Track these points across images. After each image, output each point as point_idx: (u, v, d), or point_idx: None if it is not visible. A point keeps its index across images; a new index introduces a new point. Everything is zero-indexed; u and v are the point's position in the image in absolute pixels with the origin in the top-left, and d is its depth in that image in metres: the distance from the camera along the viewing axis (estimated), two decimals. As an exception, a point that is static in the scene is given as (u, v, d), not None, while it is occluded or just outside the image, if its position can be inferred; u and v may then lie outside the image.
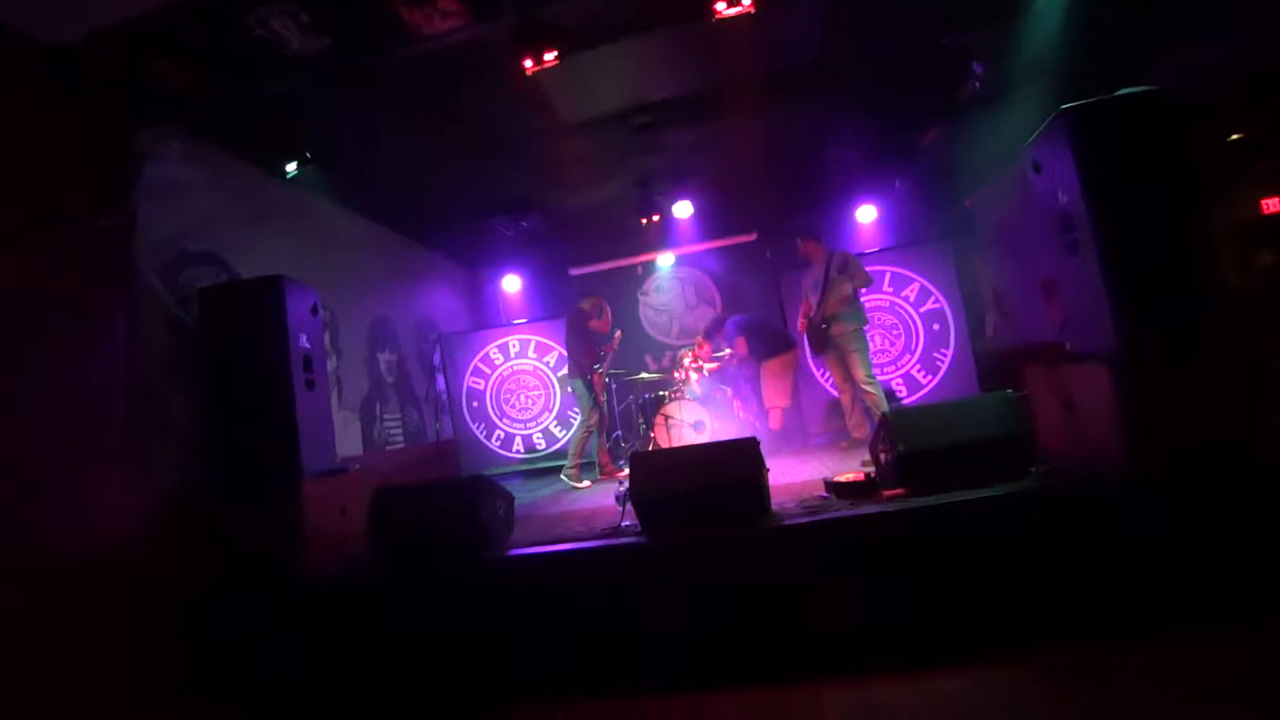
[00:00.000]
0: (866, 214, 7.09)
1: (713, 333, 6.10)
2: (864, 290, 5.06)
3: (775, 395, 5.62)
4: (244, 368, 3.21)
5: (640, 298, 7.86)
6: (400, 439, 5.79)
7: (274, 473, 3.10)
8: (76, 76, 2.98)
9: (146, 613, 2.85)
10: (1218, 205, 4.54)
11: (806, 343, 5.33)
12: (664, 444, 5.54)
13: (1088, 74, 4.02)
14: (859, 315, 5.03)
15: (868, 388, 4.85)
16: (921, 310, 6.34)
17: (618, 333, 5.85)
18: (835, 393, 5.41)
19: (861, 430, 5.06)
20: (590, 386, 5.33)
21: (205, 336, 3.32)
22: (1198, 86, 4.10)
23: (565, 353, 5.70)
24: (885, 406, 4.71)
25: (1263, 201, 4.53)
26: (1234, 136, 4.48)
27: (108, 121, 3.24)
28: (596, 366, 5.38)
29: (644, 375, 6.44)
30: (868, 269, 5.14)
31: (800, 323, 5.25)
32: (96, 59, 2.95)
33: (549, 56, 3.34)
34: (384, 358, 5.74)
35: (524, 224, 6.28)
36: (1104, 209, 2.56)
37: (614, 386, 6.44)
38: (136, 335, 3.24)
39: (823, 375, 6.21)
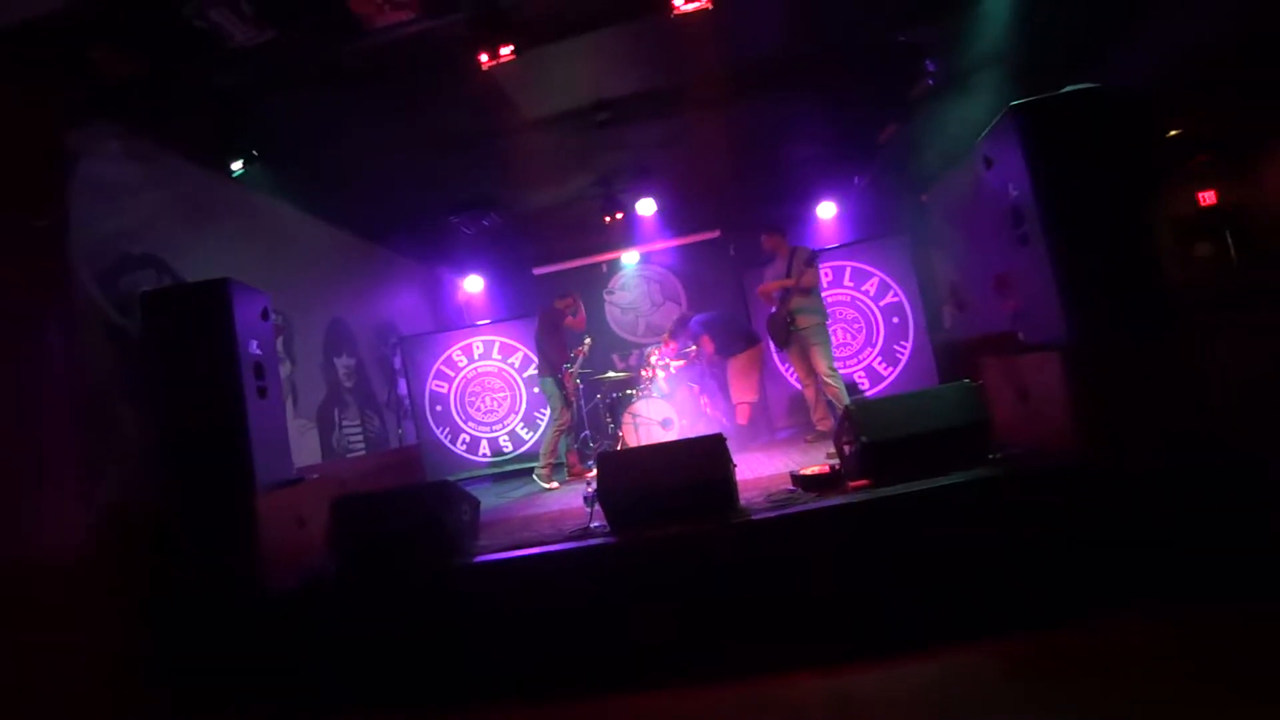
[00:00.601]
0: (827, 210, 7.20)
1: (678, 331, 6.11)
2: (825, 283, 5.18)
3: (742, 391, 5.67)
4: (191, 376, 3.05)
5: (606, 297, 7.83)
6: (361, 446, 5.63)
7: (226, 485, 2.96)
8: (7, 65, 2.80)
9: (95, 632, 2.71)
10: (1160, 198, 4.75)
11: (770, 337, 5.37)
12: (632, 442, 5.52)
13: (1037, 69, 4.16)
14: (821, 309, 5.12)
15: (830, 380, 4.94)
16: (881, 304, 6.47)
17: (587, 340, 5.85)
18: (799, 386, 5.49)
19: (826, 423, 5.13)
20: (561, 384, 5.28)
21: (149, 344, 3.16)
22: (1143, 82, 4.27)
23: (535, 351, 5.64)
24: (846, 399, 4.81)
25: (1199, 194, 4.75)
26: (1172, 132, 4.69)
27: (39, 115, 3.05)
28: (567, 365, 5.34)
29: (611, 374, 6.40)
30: (829, 264, 5.24)
31: (764, 289, 5.32)
32: (27, 47, 2.78)
33: (505, 51, 3.28)
34: (341, 363, 5.58)
35: (485, 222, 6.18)
36: (1052, 202, 2.63)
37: (582, 386, 6.40)
38: (75, 343, 3.06)
39: (787, 370, 6.28)
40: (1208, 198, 4.82)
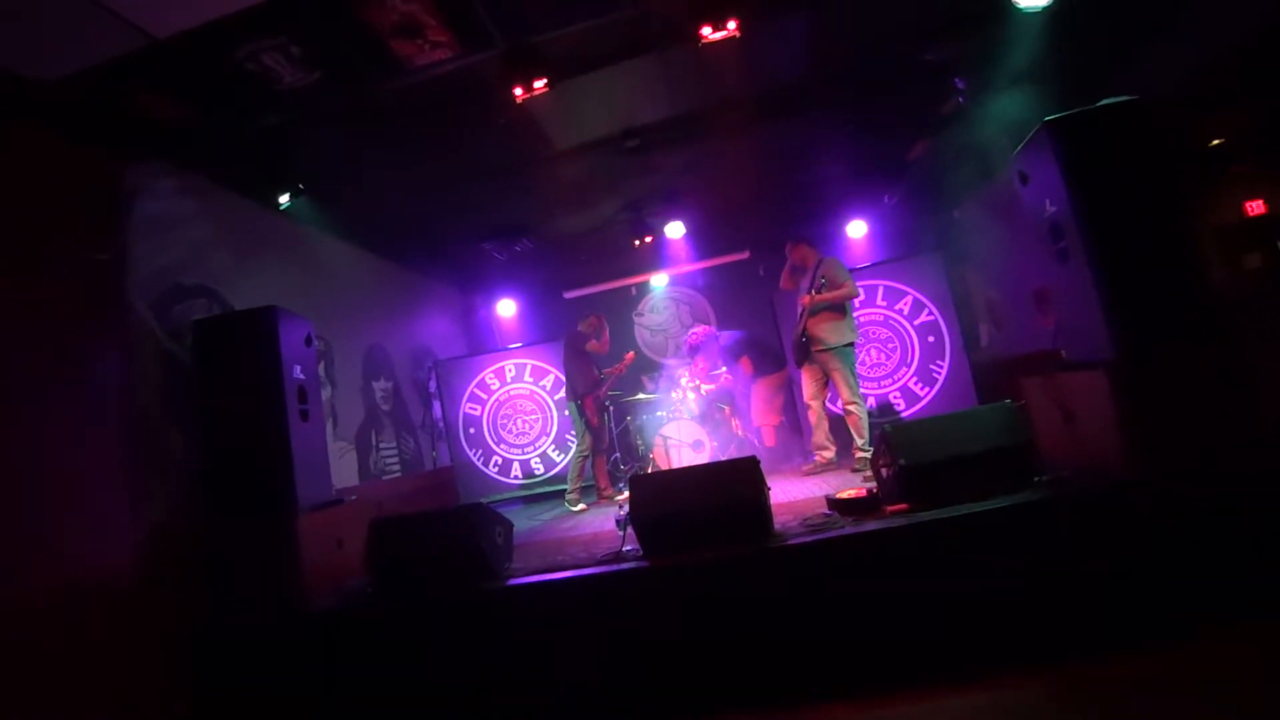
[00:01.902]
0: (857, 229, 7.14)
1: (706, 348, 6.04)
2: (856, 303, 4.83)
3: (768, 413, 5.56)
4: (238, 400, 3.18)
5: (635, 319, 7.87)
6: (397, 468, 5.73)
7: (269, 506, 3.05)
8: (64, 113, 2.99)
9: (142, 647, 2.80)
10: (1203, 209, 4.60)
11: (792, 354, 5.04)
12: (663, 465, 5.50)
13: (1071, 81, 4.10)
14: (846, 330, 4.61)
15: (852, 408, 4.52)
16: (916, 323, 6.36)
17: (629, 354, 5.83)
18: (838, 410, 4.85)
19: (826, 453, 4.82)
20: (582, 410, 5.29)
21: (199, 369, 3.30)
22: (1179, 90, 4.17)
23: (563, 375, 5.68)
24: (867, 433, 4.48)
25: (1246, 204, 4.59)
26: (1215, 141, 4.55)
27: (96, 158, 3.26)
28: (592, 389, 5.35)
29: (641, 396, 6.41)
30: (861, 283, 4.93)
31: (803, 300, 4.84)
32: (84, 96, 2.98)
33: (539, 84, 3.38)
34: (379, 386, 5.71)
35: (518, 248, 6.30)
36: (1092, 216, 2.58)
37: (612, 409, 6.42)
38: (130, 369, 3.21)
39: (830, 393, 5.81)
40: (1256, 207, 4.64)
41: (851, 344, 4.66)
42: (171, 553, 3.04)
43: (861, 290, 5.55)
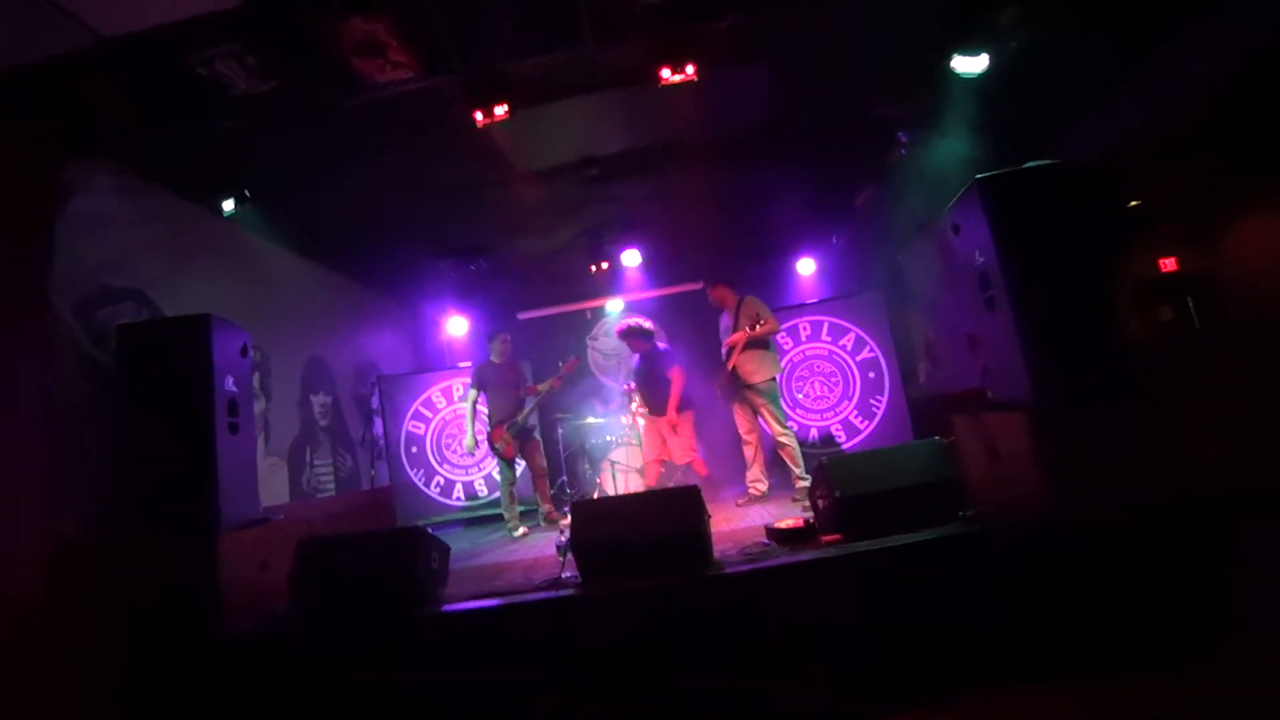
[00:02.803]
0: (806, 266, 7.41)
1: (633, 336, 5.49)
2: (803, 335, 4.94)
3: (685, 450, 5.27)
4: (162, 411, 3.01)
5: (589, 343, 7.89)
6: (331, 486, 5.52)
7: (189, 522, 2.89)
8: (4, 103, 2.85)
9: (46, 670, 2.59)
10: (1120, 265, 4.98)
11: (721, 390, 5.04)
12: (610, 490, 5.48)
13: (1006, 138, 4.42)
14: (770, 366, 4.77)
15: (783, 439, 4.67)
16: (858, 359, 6.60)
17: (573, 358, 5.47)
18: (741, 438, 5.00)
19: (760, 486, 4.88)
20: (490, 443, 5.14)
21: (123, 376, 3.12)
22: (1106, 152, 4.54)
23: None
24: (800, 460, 4.63)
25: (1160, 261, 4.99)
26: (1133, 203, 4.96)
27: (32, 151, 3.10)
28: (505, 418, 5.12)
29: (590, 420, 6.40)
30: (809, 318, 5.04)
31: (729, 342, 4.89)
32: (25, 90, 2.85)
33: (499, 110, 3.42)
34: (317, 400, 5.53)
35: (473, 267, 6.27)
36: (1016, 269, 2.76)
37: (561, 431, 6.37)
38: (47, 373, 3.03)
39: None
40: (1169, 264, 5.03)
41: (774, 378, 4.81)
42: (84, 569, 2.84)
43: (782, 327, 5.57)
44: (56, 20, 2.62)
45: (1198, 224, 4.76)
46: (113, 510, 3.02)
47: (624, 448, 5.65)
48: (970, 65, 3.75)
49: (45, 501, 2.88)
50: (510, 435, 5.10)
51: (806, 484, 4.45)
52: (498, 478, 5.29)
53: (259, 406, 4.55)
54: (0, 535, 2.66)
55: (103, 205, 3.47)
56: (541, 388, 5.29)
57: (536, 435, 5.40)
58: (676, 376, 5.20)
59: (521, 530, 5.02)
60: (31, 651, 2.59)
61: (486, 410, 5.25)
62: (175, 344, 3.07)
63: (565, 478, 6.33)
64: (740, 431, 4.98)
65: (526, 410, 5.19)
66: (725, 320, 5.03)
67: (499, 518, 5.58)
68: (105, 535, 2.97)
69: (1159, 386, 2.74)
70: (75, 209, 3.29)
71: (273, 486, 4.62)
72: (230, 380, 3.16)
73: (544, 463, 5.38)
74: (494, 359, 5.29)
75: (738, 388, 4.81)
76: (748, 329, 4.68)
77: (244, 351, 3.34)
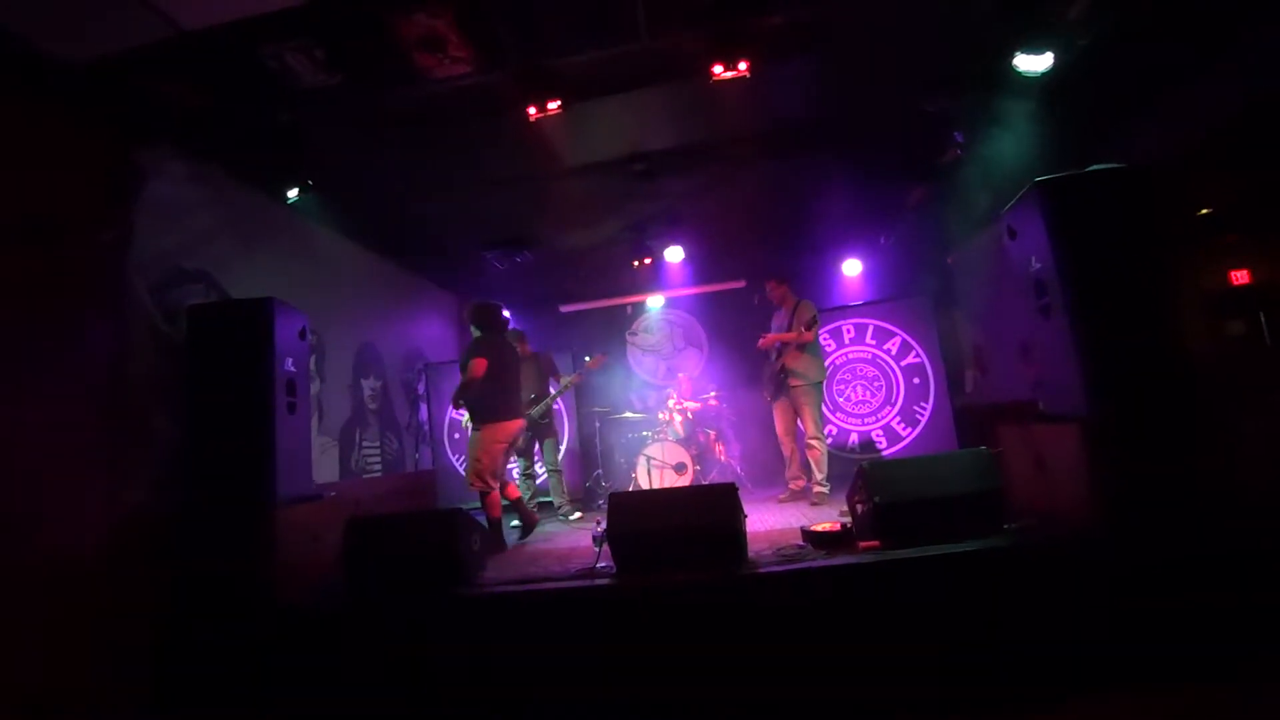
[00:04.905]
0: (852, 267, 7.28)
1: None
2: (846, 338, 5.04)
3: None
4: (226, 388, 3.19)
5: (629, 338, 7.94)
6: (378, 467, 5.72)
7: (248, 496, 3.05)
8: (86, 94, 3.05)
9: (109, 630, 2.78)
10: (1187, 275, 4.74)
11: (764, 388, 5.21)
12: (645, 485, 5.53)
13: (1067, 141, 4.25)
14: (817, 370, 4.90)
15: (814, 444, 4.78)
16: (903, 364, 6.47)
17: (599, 354, 5.53)
18: (779, 437, 5.10)
19: (799, 482, 5.03)
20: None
21: (191, 354, 3.31)
22: (1172, 158, 4.33)
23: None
24: (825, 467, 4.74)
25: (1230, 274, 4.73)
26: (1203, 211, 4.71)
27: (111, 137, 3.30)
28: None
29: (628, 414, 6.46)
30: (853, 320, 5.06)
31: (765, 341, 5.06)
32: (108, 80, 3.03)
33: (552, 105, 3.47)
34: (368, 384, 5.72)
35: (518, 259, 6.37)
36: (1074, 277, 2.67)
37: (599, 425, 6.45)
38: (121, 349, 3.22)
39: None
40: (1240, 276, 4.77)
41: (821, 382, 4.93)
42: (146, 535, 3.03)
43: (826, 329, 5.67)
44: (140, 13, 2.77)
45: (1273, 234, 4.49)
46: (176, 480, 3.22)
47: (659, 443, 5.68)
48: (1034, 64, 3.62)
49: (115, 469, 3.06)
50: (533, 423, 5.17)
51: (825, 490, 4.72)
52: (536, 468, 5.39)
53: (314, 388, 4.74)
54: (71, 499, 2.84)
55: (176, 191, 3.67)
56: (564, 382, 5.36)
57: (558, 429, 5.44)
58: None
59: (577, 515, 5.20)
60: (91, 610, 2.76)
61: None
62: (240, 325, 3.24)
63: (600, 471, 6.40)
64: (778, 431, 5.09)
65: (542, 406, 5.21)
66: (779, 319, 5.14)
67: (538, 506, 5.70)
68: (169, 503, 3.16)
69: (1224, 403, 2.61)
70: (151, 194, 3.49)
71: (324, 465, 4.82)
72: (290, 361, 3.32)
73: (557, 459, 5.41)
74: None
75: (783, 386, 4.92)
76: (801, 330, 4.81)
77: (303, 334, 3.49)
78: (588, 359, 5.48)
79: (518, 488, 4.72)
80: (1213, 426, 2.51)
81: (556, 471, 5.41)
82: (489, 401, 4.29)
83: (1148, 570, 2.34)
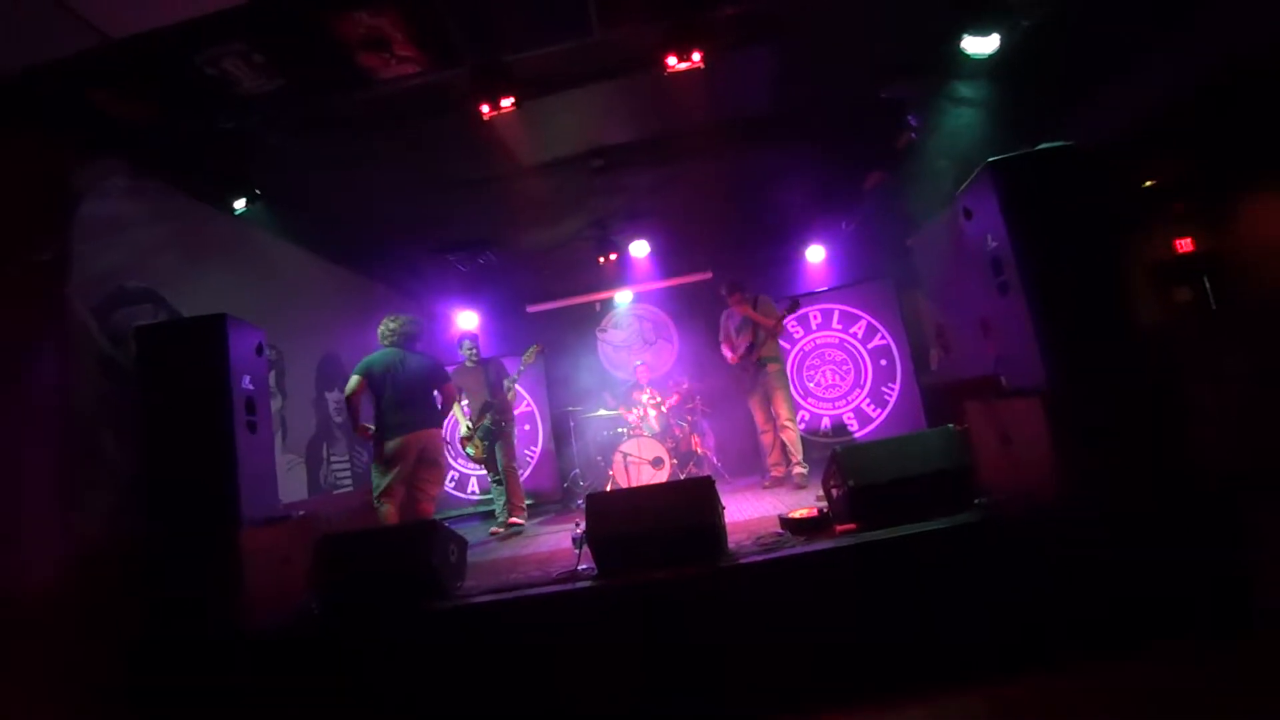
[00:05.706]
0: (816, 254, 7.35)
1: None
2: (814, 324, 5.23)
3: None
4: (181, 411, 3.06)
5: (599, 335, 7.90)
6: (349, 482, 5.59)
7: (210, 522, 2.94)
8: (14, 107, 2.88)
9: (73, 667, 2.66)
10: (1136, 247, 4.91)
11: (738, 382, 5.35)
12: (622, 482, 5.51)
13: (1018, 121, 4.35)
14: (781, 355, 5.27)
15: (789, 425, 4.98)
16: (869, 346, 6.57)
17: (533, 346, 5.34)
18: (759, 428, 5.27)
19: (780, 469, 5.15)
20: (461, 446, 5.20)
21: (141, 377, 3.17)
22: (1119, 133, 4.47)
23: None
24: (801, 447, 4.97)
25: (1176, 242, 4.91)
26: (1147, 183, 4.88)
27: (45, 154, 3.14)
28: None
29: (602, 411, 6.43)
30: (819, 306, 5.25)
31: (732, 358, 5.23)
32: (36, 91, 2.88)
33: (506, 103, 3.41)
34: (333, 397, 5.58)
35: (481, 261, 6.28)
36: (1028, 253, 2.73)
37: (573, 424, 6.41)
38: (67, 374, 3.08)
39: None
40: (1185, 244, 4.95)
41: (784, 365, 5.26)
42: (106, 566, 2.90)
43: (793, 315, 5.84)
44: (61, 21, 2.62)
45: (1214, 203, 4.67)
46: (134, 507, 3.08)
47: (635, 439, 5.67)
48: (981, 45, 3.69)
49: (64, 499, 2.93)
50: (478, 439, 5.13)
51: (804, 471, 4.93)
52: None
53: (275, 405, 4.60)
54: (20, 531, 2.71)
55: (116, 207, 3.51)
56: (507, 386, 5.16)
57: (511, 434, 5.23)
58: None
59: (499, 528, 5.02)
60: (49, 646, 2.64)
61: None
62: (192, 344, 3.11)
63: (578, 470, 6.36)
64: (757, 422, 5.23)
65: (486, 417, 5.13)
66: (734, 321, 5.27)
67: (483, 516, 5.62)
68: (127, 531, 3.03)
69: (1175, 368, 2.70)
70: (89, 211, 3.33)
71: (291, 483, 4.69)
72: (247, 379, 3.20)
73: (513, 463, 5.19)
74: (467, 364, 5.35)
75: (760, 375, 5.07)
76: (777, 316, 5.09)
77: (259, 350, 3.37)
78: (524, 356, 5.29)
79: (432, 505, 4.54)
80: (1165, 393, 2.60)
81: (499, 481, 5.14)
82: (376, 420, 4.34)
83: (1105, 540, 2.41)
